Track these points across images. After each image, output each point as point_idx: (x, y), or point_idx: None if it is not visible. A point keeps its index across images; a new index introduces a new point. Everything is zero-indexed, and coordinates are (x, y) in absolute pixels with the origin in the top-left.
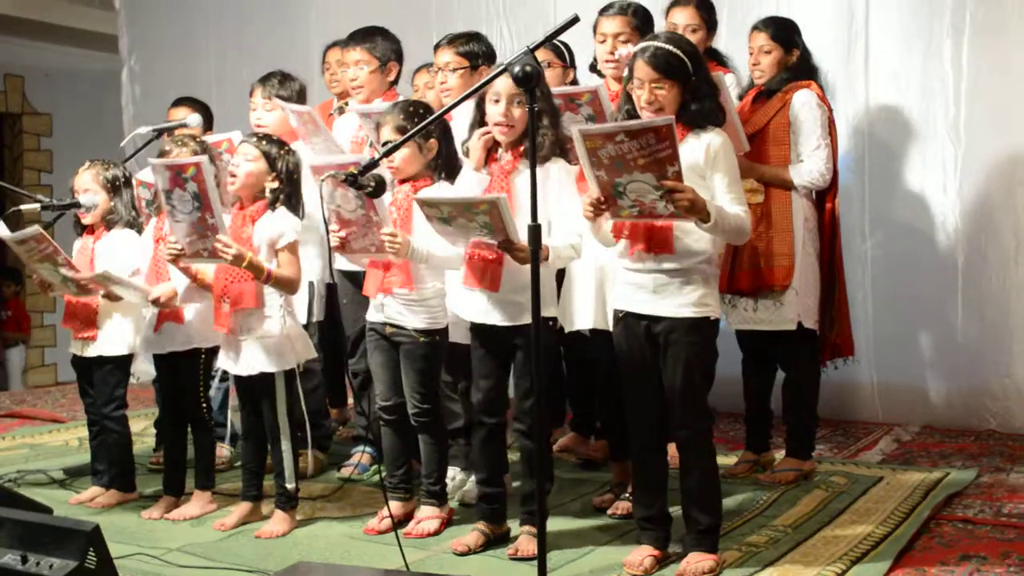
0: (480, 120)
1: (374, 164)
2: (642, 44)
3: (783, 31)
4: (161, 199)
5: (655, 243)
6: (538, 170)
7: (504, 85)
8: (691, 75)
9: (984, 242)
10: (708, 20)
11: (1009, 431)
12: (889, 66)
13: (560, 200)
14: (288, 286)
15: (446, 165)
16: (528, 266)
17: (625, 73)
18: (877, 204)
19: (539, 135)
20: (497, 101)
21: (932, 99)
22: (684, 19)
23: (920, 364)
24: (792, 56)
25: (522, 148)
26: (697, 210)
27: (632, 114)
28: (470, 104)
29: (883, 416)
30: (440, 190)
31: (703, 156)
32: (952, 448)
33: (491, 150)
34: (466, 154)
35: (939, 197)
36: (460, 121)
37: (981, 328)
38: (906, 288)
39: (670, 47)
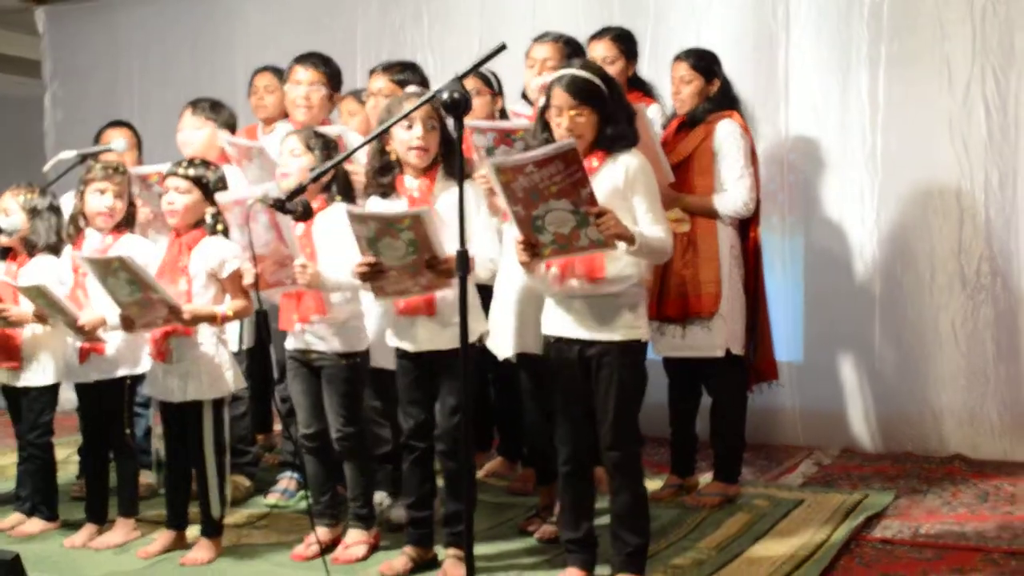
0: (382, 148)
1: (302, 189)
2: (558, 72)
3: (703, 61)
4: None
5: (589, 270)
6: (451, 192)
7: (419, 110)
8: (607, 100)
9: (900, 271)
10: (626, 50)
11: (925, 453)
12: (807, 98)
13: (475, 220)
14: (244, 314)
15: (341, 188)
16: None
17: (541, 101)
18: (797, 233)
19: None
20: (410, 127)
21: (849, 130)
22: (602, 51)
23: (840, 389)
24: (713, 86)
25: (436, 172)
26: (623, 235)
27: (549, 142)
28: None
29: (804, 440)
30: (371, 204)
31: (622, 179)
32: (871, 471)
33: (393, 177)
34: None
35: (857, 227)
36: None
37: (898, 354)
38: (826, 315)
39: (586, 74)
